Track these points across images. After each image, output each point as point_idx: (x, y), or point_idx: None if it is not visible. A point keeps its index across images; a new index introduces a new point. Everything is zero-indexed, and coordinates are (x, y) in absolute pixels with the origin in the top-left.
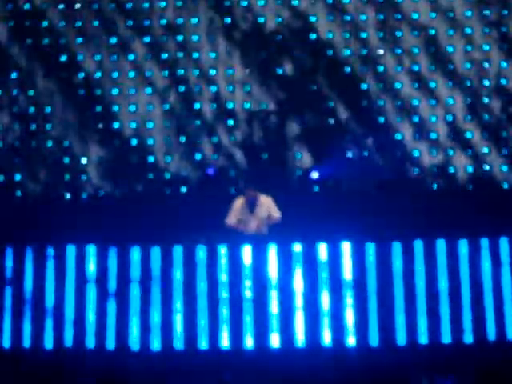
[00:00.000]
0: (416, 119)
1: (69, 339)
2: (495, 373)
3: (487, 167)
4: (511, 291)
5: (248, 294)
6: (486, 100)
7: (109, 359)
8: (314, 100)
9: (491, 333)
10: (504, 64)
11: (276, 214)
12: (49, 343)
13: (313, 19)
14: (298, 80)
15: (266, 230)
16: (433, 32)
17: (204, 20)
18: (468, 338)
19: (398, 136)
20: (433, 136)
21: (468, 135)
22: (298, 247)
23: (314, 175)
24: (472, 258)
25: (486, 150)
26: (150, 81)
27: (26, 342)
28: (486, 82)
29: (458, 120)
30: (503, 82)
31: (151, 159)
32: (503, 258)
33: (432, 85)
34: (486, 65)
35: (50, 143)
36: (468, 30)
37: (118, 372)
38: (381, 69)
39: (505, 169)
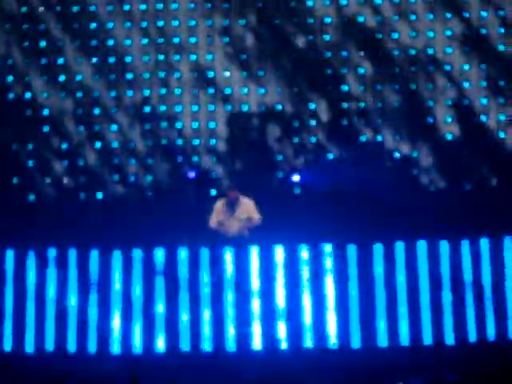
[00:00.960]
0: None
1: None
2: (477, 374)
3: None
4: (491, 292)
5: (230, 296)
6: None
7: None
8: (297, 101)
9: (472, 334)
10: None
11: (257, 216)
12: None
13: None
14: (281, 80)
15: (247, 231)
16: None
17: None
18: (449, 339)
19: (379, 137)
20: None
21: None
22: (279, 250)
23: (296, 178)
24: (453, 259)
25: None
26: (131, 83)
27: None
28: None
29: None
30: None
31: (132, 161)
32: (484, 259)
33: (413, 86)
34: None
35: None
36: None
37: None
38: (361, 71)
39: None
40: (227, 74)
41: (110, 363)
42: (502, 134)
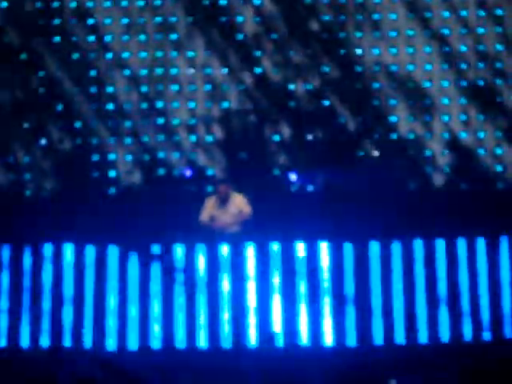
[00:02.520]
0: (394, 119)
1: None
2: (471, 372)
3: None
4: (487, 291)
5: (226, 291)
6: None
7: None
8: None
9: (468, 333)
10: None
11: (247, 210)
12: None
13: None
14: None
15: (237, 227)
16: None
17: (183, 20)
18: (445, 337)
19: (376, 135)
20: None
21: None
22: (275, 246)
23: (293, 177)
24: (448, 258)
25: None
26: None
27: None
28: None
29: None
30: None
31: (129, 158)
32: (479, 259)
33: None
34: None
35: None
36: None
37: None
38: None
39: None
40: (225, 70)
41: (105, 360)
42: None
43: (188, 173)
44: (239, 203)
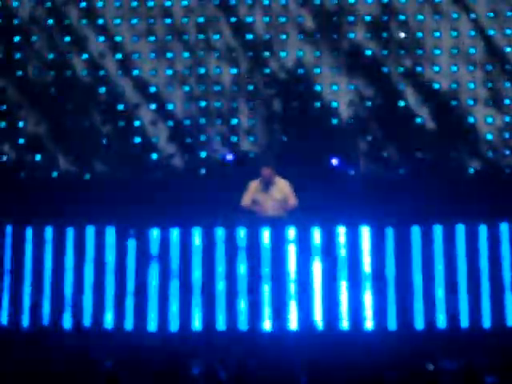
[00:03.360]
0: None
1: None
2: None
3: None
4: None
5: (266, 275)
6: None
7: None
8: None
9: (510, 319)
10: None
11: (292, 200)
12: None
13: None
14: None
15: (282, 212)
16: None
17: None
18: (486, 322)
19: (418, 120)
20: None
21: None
22: (316, 231)
23: (335, 162)
24: (490, 242)
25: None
26: (169, 63)
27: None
28: None
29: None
30: None
31: (171, 141)
32: None
33: (453, 68)
34: None
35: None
36: None
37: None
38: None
39: None
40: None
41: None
42: None
43: (229, 157)
44: (283, 188)
